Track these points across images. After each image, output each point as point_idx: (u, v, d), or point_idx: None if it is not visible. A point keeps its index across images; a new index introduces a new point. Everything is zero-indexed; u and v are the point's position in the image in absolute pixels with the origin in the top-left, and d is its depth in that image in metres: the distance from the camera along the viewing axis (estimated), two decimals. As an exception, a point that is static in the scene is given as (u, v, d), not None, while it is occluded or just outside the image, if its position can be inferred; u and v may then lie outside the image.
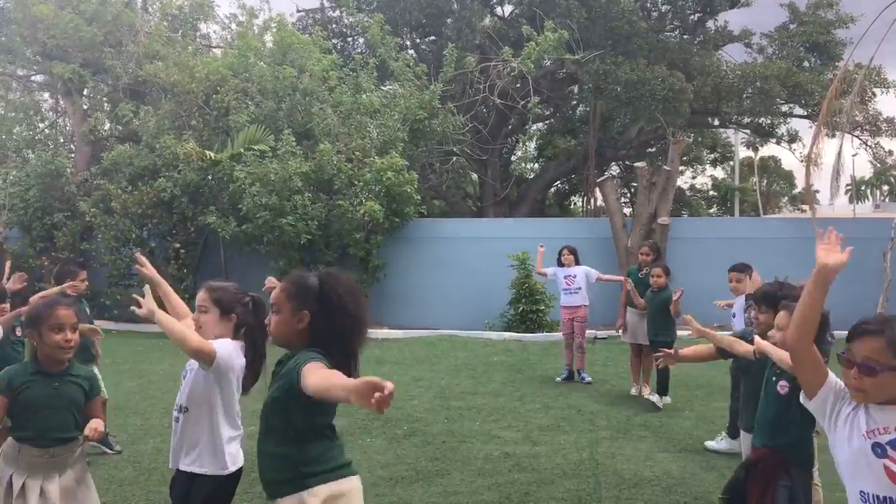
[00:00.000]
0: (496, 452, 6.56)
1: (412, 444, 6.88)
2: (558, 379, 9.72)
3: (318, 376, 2.56)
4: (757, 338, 3.92)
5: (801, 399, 2.68)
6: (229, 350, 3.51)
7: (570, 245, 10.21)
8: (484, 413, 8.05)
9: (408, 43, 20.85)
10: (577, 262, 10.04)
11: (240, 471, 3.72)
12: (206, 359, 3.41)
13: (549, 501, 5.36)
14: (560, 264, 10.02)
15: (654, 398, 8.31)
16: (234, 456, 3.69)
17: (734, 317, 6.87)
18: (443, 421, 7.71)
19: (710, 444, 6.75)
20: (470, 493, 5.51)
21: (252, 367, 3.63)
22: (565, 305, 9.88)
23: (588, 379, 9.65)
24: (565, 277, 9.89)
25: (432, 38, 21.04)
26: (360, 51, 20.24)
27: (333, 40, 20.02)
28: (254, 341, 3.61)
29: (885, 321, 2.51)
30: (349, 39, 21.93)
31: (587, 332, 10.02)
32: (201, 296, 3.61)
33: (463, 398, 8.78)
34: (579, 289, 9.82)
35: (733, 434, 6.47)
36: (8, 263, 6.93)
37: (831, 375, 2.61)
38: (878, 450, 2.42)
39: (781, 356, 3.59)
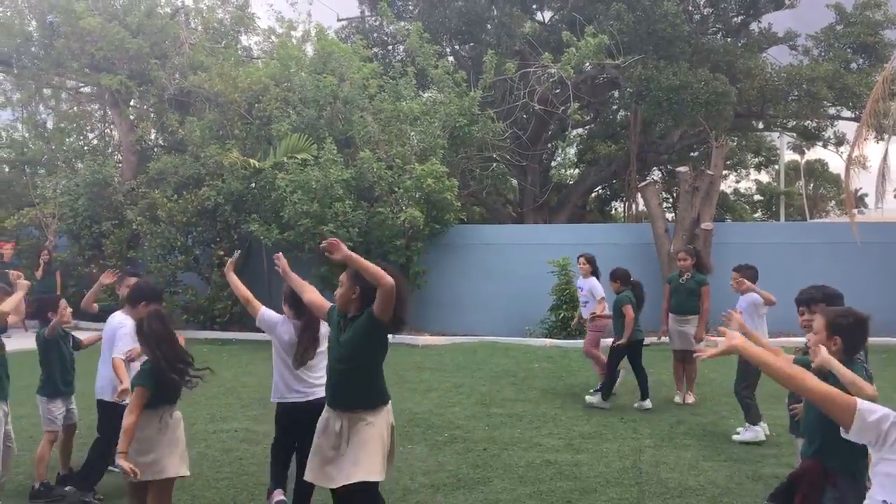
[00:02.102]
0: (538, 460, 6.53)
1: (453, 450, 6.87)
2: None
3: (377, 305, 4.07)
4: (821, 353, 3.54)
5: (842, 433, 2.66)
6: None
7: (588, 253, 9.87)
8: (525, 420, 8.01)
9: (447, 50, 20.88)
10: (594, 272, 9.67)
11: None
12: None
13: (591, 510, 5.31)
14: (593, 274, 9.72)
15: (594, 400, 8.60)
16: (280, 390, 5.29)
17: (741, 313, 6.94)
18: (484, 428, 7.69)
19: (736, 437, 7.02)
20: (511, 501, 5.49)
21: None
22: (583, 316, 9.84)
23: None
24: (580, 288, 9.84)
25: (472, 44, 21.04)
26: (399, 58, 20.32)
27: (374, 49, 20.13)
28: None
29: None
30: (389, 47, 22.03)
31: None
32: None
33: (504, 405, 8.75)
34: (587, 302, 9.66)
35: (753, 420, 7.00)
36: (58, 273, 7.18)
37: (860, 404, 2.57)
38: None
39: (841, 371, 3.48)
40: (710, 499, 5.52)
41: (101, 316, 6.08)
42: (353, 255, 4.08)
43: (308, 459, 4.32)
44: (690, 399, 8.83)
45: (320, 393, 4.83)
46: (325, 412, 4.32)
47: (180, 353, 4.49)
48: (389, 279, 4.00)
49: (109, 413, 5.54)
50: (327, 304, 4.62)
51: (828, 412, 2.69)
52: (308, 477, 4.29)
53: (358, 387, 4.20)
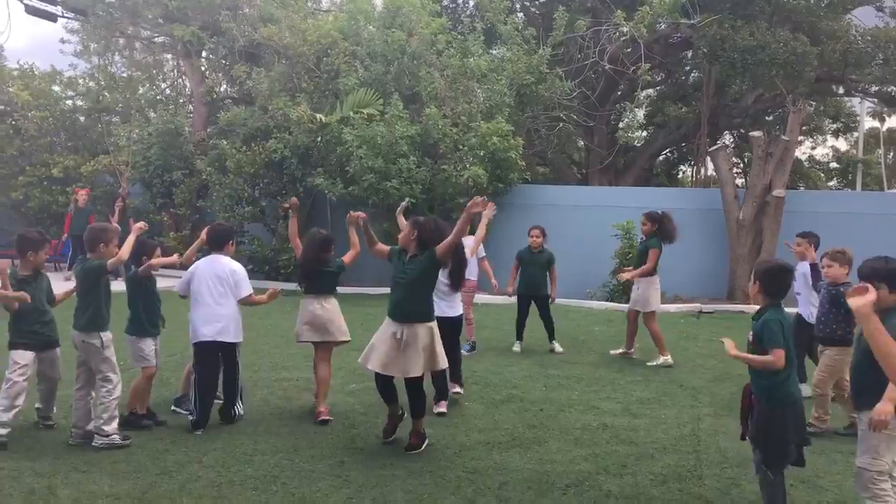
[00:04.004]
0: (594, 423, 6.51)
1: (510, 410, 6.91)
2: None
3: (439, 248, 5.66)
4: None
5: None
6: None
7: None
8: (583, 383, 7.99)
9: (517, 6, 20.50)
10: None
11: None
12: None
13: (647, 475, 5.28)
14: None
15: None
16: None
17: (794, 281, 6.89)
18: (541, 389, 7.70)
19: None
20: (566, 462, 5.50)
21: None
22: None
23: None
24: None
25: (542, 0, 20.63)
26: (468, 14, 20.06)
27: (443, 2, 19.91)
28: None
29: None
30: (458, 2, 21.74)
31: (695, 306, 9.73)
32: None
33: (561, 367, 8.74)
34: None
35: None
36: (131, 221, 7.53)
37: None
38: None
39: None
40: (769, 471, 5.43)
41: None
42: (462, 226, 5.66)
43: (375, 355, 5.71)
44: (661, 360, 8.93)
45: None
46: (387, 323, 5.73)
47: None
48: (458, 240, 5.71)
49: (225, 354, 6.27)
50: (388, 248, 6.12)
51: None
52: (375, 368, 5.71)
53: (412, 305, 5.69)
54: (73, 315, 5.77)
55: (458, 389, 7.26)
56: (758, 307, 4.51)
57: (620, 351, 9.43)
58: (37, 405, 6.13)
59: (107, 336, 5.74)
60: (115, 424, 5.67)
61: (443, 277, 6.24)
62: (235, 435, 6.00)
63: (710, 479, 5.25)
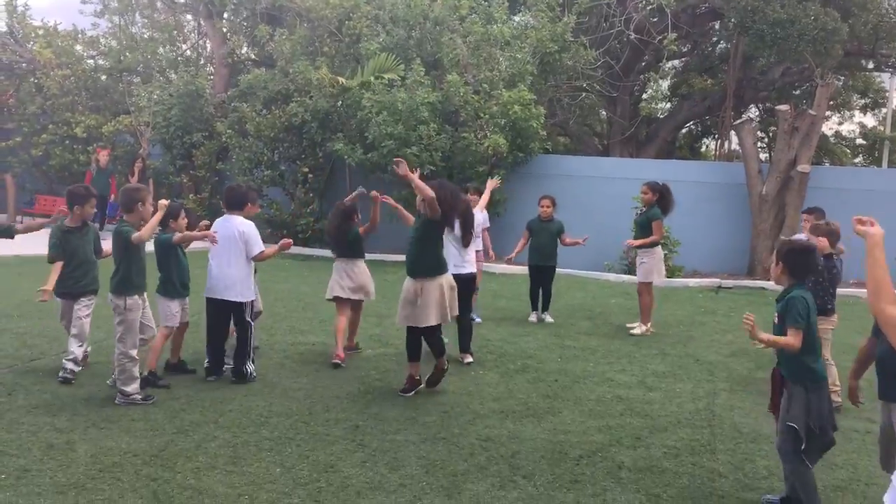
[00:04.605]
0: (609, 395, 6.51)
1: (525, 379, 6.91)
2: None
3: (425, 209, 6.18)
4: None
5: None
6: None
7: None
8: (598, 354, 7.98)
9: (543, -28, 20.19)
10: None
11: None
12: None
13: (660, 448, 5.28)
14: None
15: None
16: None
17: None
18: (556, 359, 7.70)
19: None
20: (580, 433, 5.50)
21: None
22: None
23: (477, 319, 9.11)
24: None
25: (568, -33, 20.30)
26: (493, -21, 19.80)
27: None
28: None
29: None
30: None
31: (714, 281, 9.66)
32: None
33: (577, 338, 8.73)
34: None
35: None
36: (151, 181, 7.83)
37: None
38: None
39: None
40: (784, 448, 5.41)
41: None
42: (409, 174, 6.10)
43: (399, 312, 6.31)
44: (639, 330, 9.00)
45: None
46: (406, 280, 6.29)
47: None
48: (428, 192, 6.04)
49: (231, 312, 6.57)
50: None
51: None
52: (399, 321, 6.33)
53: (420, 261, 6.26)
54: (111, 276, 5.92)
55: (469, 359, 7.35)
56: (782, 288, 4.41)
57: (644, 328, 9.16)
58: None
59: (132, 300, 5.82)
60: (134, 385, 5.78)
61: (454, 234, 6.94)
62: (251, 397, 6.05)
63: (723, 454, 5.23)
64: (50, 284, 6.35)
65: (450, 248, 7.00)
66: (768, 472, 4.95)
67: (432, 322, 6.17)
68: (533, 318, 9.61)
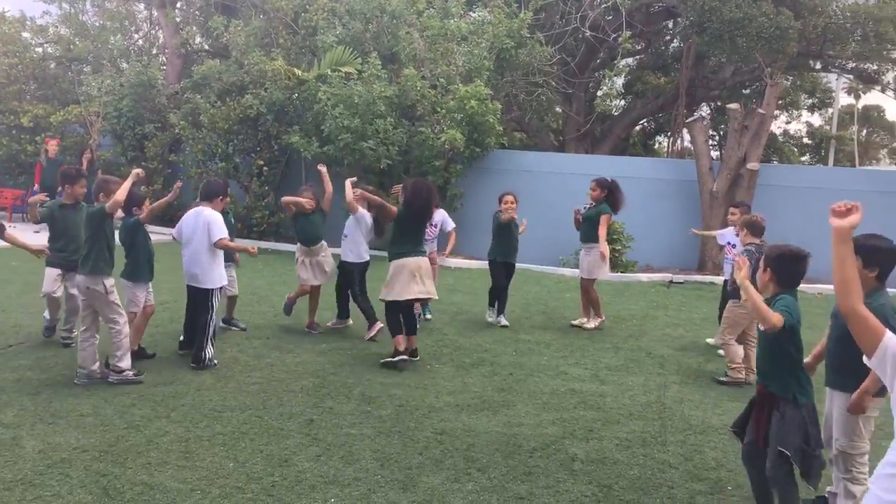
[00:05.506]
0: (562, 388, 6.58)
1: (480, 373, 6.96)
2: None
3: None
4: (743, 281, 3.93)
5: (864, 360, 2.61)
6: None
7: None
8: (553, 348, 8.06)
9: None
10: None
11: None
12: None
13: (612, 440, 5.36)
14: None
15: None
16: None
17: (730, 244, 8.24)
18: (511, 353, 7.76)
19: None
20: (534, 426, 5.56)
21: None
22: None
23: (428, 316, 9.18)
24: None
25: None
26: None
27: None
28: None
29: None
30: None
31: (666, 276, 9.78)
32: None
33: (532, 332, 8.81)
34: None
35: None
36: (99, 172, 8.01)
37: (888, 335, 2.50)
38: None
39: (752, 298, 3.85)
40: (731, 438, 5.52)
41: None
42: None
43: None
44: (592, 325, 9.02)
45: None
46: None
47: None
48: (390, 211, 7.42)
49: (199, 298, 6.86)
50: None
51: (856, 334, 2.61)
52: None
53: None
54: (79, 261, 6.16)
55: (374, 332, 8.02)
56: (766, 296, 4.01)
57: (585, 322, 9.25)
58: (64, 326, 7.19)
59: (109, 282, 6.11)
60: (127, 361, 6.15)
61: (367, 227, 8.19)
62: (204, 392, 5.99)
63: (673, 446, 5.34)
64: (31, 243, 6.75)
65: (358, 239, 8.11)
66: (717, 462, 5.06)
67: (391, 298, 7.01)
68: (490, 318, 9.24)
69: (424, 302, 8.43)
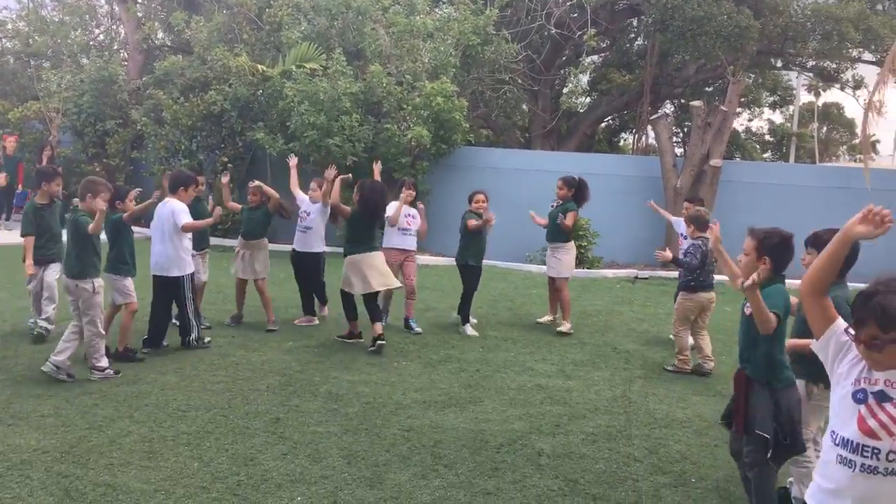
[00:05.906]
0: (529, 384, 6.62)
1: (447, 370, 6.96)
2: None
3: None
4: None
5: (812, 345, 2.68)
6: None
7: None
8: (519, 344, 8.10)
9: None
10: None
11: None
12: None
13: (578, 435, 5.40)
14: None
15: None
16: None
17: (682, 236, 8.42)
18: (478, 350, 7.78)
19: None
20: (501, 422, 5.58)
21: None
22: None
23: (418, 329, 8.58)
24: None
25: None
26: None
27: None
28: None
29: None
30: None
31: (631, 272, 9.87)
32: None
33: (499, 328, 8.84)
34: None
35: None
36: (59, 169, 8.03)
37: (838, 322, 2.56)
38: (860, 395, 2.43)
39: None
40: (695, 431, 5.61)
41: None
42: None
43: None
44: (565, 327, 8.69)
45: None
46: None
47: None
48: (344, 211, 7.79)
49: (169, 286, 7.02)
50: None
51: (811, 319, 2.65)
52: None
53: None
54: (65, 262, 6.37)
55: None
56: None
57: (547, 318, 9.28)
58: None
59: (98, 282, 6.23)
60: (105, 360, 6.22)
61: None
62: (168, 391, 5.92)
63: (638, 439, 5.39)
64: (30, 260, 7.17)
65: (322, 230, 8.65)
66: (681, 455, 5.12)
67: (353, 291, 7.59)
68: (469, 330, 8.61)
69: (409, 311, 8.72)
